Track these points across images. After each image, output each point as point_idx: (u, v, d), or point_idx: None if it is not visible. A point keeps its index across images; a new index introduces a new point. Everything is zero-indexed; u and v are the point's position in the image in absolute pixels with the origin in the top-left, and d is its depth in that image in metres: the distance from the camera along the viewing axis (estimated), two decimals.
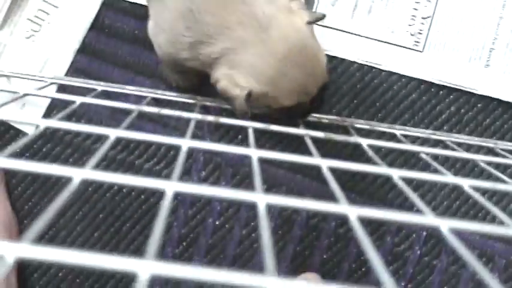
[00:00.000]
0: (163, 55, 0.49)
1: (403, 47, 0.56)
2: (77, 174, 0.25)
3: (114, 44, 0.56)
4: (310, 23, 0.43)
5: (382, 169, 0.34)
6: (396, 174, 0.33)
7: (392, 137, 0.54)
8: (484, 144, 0.56)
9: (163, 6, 0.45)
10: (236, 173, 0.56)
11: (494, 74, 0.56)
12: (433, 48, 0.56)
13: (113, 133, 0.33)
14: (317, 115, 0.54)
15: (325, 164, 0.33)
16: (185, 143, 0.33)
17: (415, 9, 0.56)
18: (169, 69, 0.54)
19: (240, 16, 0.42)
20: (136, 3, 0.56)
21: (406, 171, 0.33)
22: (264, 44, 0.41)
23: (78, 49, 0.56)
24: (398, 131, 0.55)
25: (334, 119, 0.56)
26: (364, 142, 0.43)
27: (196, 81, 0.55)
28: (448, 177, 0.35)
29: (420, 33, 0.55)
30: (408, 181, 0.32)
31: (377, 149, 0.42)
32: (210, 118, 0.48)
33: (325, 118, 0.55)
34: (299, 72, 0.42)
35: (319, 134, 0.44)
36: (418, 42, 0.56)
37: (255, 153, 0.33)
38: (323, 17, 0.44)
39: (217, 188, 0.26)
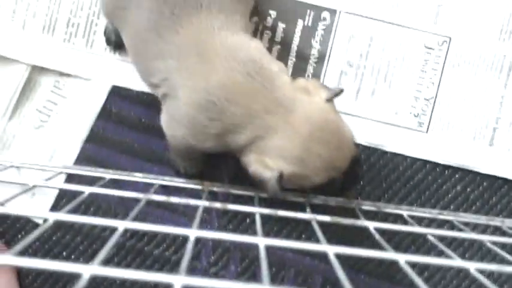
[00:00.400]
0: (179, 146, 0.50)
1: (407, 128, 0.56)
2: (86, 270, 0.26)
3: (122, 132, 0.57)
4: (329, 99, 0.45)
5: (388, 254, 0.35)
6: (402, 258, 0.33)
7: (399, 217, 0.54)
8: (490, 222, 0.56)
9: (177, 100, 0.46)
10: (245, 256, 0.57)
11: (498, 152, 0.56)
12: (437, 129, 0.56)
13: (122, 225, 0.34)
14: (323, 197, 0.55)
15: (331, 250, 0.33)
16: (193, 233, 0.33)
17: (418, 90, 0.56)
18: (180, 158, 0.55)
19: (265, 104, 0.43)
20: (143, 91, 0.57)
21: (412, 256, 0.34)
22: (290, 126, 0.43)
23: (86, 138, 0.57)
24: (405, 211, 0.55)
25: (341, 201, 0.56)
26: (371, 225, 0.43)
27: (205, 167, 0.56)
28: (454, 261, 0.36)
29: (424, 114, 0.56)
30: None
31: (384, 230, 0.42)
32: (218, 205, 0.48)
33: (332, 200, 0.56)
34: (325, 148, 0.43)
35: (326, 218, 0.45)
36: (422, 123, 0.56)
37: (262, 241, 0.33)
38: (341, 91, 0.46)
39: (225, 281, 0.26)
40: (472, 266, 0.33)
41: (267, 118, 0.43)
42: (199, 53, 0.44)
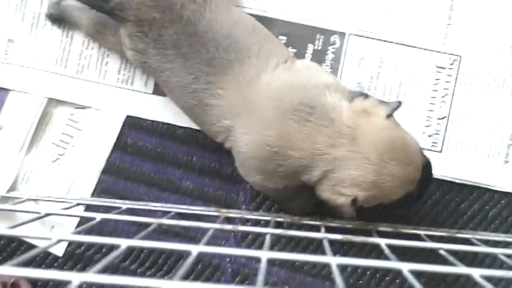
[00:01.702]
0: (267, 189, 0.52)
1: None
2: (76, 278, 0.26)
3: (138, 163, 0.58)
4: (389, 116, 0.45)
5: (392, 263, 0.34)
6: (406, 267, 0.33)
7: (417, 239, 0.54)
8: (510, 239, 0.56)
9: (243, 153, 0.47)
10: (265, 282, 0.57)
11: None
12: (451, 148, 0.56)
13: (125, 243, 0.34)
14: (341, 221, 0.55)
15: (334, 261, 0.33)
16: (195, 248, 0.33)
17: (431, 110, 0.57)
18: (283, 201, 0.57)
19: (327, 140, 0.44)
20: (158, 121, 0.58)
21: (415, 264, 0.33)
22: (357, 155, 0.43)
23: (103, 169, 0.58)
24: (422, 231, 0.55)
25: (358, 223, 0.56)
26: (383, 242, 0.42)
27: (312, 199, 0.53)
28: (459, 268, 0.35)
29: (437, 134, 0.56)
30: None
31: (398, 250, 0.41)
32: (229, 227, 0.49)
33: (349, 224, 0.56)
34: (397, 167, 0.43)
35: (338, 237, 0.45)
36: (435, 143, 0.56)
37: (264, 255, 0.33)
38: (400, 104, 0.46)
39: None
40: (477, 273, 0.33)
41: (334, 152, 0.44)
42: (248, 108, 0.45)
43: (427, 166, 0.46)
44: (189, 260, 0.31)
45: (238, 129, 0.46)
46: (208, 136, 0.52)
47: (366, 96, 0.47)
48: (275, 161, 0.45)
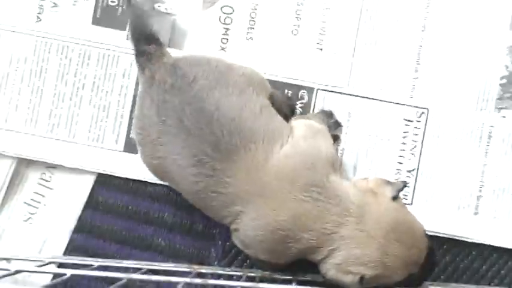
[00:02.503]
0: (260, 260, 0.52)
1: None
2: None
3: (110, 220, 0.58)
4: (395, 197, 0.46)
5: None
6: None
7: None
8: None
9: (252, 236, 0.47)
10: None
11: (484, 220, 0.56)
12: (421, 200, 0.57)
13: None
14: (313, 275, 0.55)
15: None
16: None
17: (400, 162, 0.57)
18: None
19: (336, 219, 0.44)
20: (129, 179, 0.58)
21: None
22: (363, 234, 0.44)
23: (74, 228, 0.58)
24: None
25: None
26: None
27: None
28: None
29: (407, 187, 0.56)
30: None
31: None
32: (198, 280, 0.49)
33: (319, 277, 0.56)
34: (401, 248, 0.44)
35: None
36: (406, 195, 0.56)
37: None
38: (405, 184, 0.48)
39: None
40: None
41: (340, 231, 0.44)
42: (259, 194, 0.45)
43: (430, 250, 0.47)
44: None
45: (248, 214, 0.46)
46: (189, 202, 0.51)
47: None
48: (286, 244, 0.45)
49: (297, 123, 0.51)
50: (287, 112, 0.56)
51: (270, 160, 0.45)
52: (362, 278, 0.44)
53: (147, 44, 0.50)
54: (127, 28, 0.58)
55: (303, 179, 0.45)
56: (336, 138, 0.56)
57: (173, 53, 0.52)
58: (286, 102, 0.57)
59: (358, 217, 0.45)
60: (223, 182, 0.45)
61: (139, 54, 0.50)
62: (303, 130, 0.49)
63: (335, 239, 0.44)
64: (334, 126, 0.56)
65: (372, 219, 0.45)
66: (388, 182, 0.48)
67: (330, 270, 0.46)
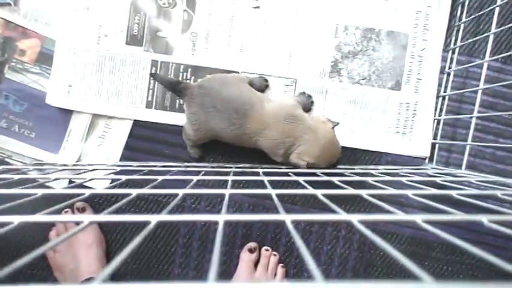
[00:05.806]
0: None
1: None
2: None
3: (140, 144, 1.14)
4: (333, 127, 0.83)
5: (342, 216, 0.35)
6: (355, 218, 0.34)
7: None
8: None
9: (263, 147, 0.87)
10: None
11: (358, 137, 1.13)
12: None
13: (154, 218, 0.34)
14: (274, 165, 1.11)
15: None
16: (222, 218, 0.35)
17: None
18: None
19: (301, 130, 0.81)
20: (148, 121, 1.14)
21: (364, 216, 0.34)
22: (314, 139, 0.80)
23: (124, 147, 1.14)
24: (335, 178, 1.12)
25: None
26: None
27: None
28: (402, 215, 0.36)
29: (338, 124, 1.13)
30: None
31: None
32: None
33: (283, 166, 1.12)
34: (329, 153, 0.82)
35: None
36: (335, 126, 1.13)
37: (288, 218, 0.35)
38: (337, 123, 0.84)
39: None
40: (419, 218, 0.34)
41: (304, 137, 0.80)
42: (264, 127, 0.80)
43: (338, 159, 0.85)
44: (220, 228, 0.33)
45: (261, 138, 0.81)
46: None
47: (309, 96, 0.98)
48: (280, 146, 0.81)
49: (274, 96, 1.03)
50: (258, 88, 0.97)
51: (265, 110, 0.81)
52: (307, 163, 0.78)
53: (176, 87, 0.93)
54: (143, 45, 1.13)
55: (283, 114, 0.80)
56: (310, 106, 1.00)
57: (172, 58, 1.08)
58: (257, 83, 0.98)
59: (314, 131, 0.78)
60: (246, 128, 0.81)
61: (177, 93, 0.94)
62: (278, 96, 1.02)
63: (300, 141, 0.78)
64: (307, 99, 0.98)
65: (320, 134, 0.79)
66: (330, 120, 0.84)
67: (294, 157, 0.80)
